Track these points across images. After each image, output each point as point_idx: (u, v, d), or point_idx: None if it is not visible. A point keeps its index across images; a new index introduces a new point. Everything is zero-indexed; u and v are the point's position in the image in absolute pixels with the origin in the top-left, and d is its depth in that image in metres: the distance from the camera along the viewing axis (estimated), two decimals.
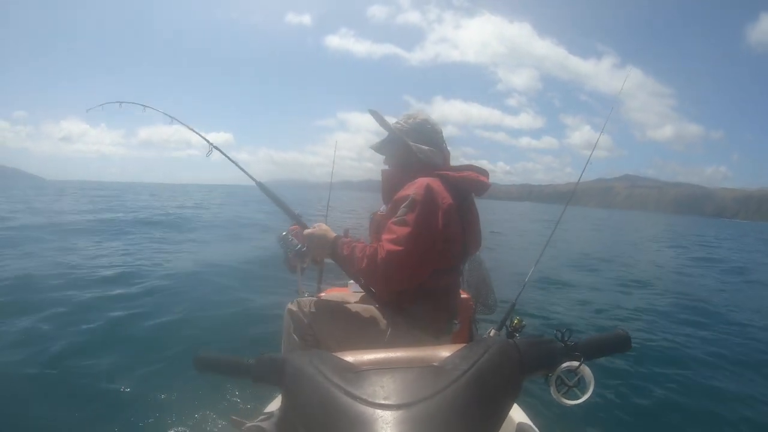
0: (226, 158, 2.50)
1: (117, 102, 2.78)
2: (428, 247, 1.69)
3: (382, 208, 1.99)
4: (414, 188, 1.74)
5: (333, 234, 1.89)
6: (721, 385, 4.10)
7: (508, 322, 2.26)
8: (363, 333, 1.81)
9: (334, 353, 0.77)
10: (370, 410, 0.63)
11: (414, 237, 1.66)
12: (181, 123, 2.65)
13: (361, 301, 2.05)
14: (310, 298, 2.02)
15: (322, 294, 2.41)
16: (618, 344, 0.81)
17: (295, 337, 1.88)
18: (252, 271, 7.40)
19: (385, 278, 1.69)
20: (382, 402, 0.64)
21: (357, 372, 0.71)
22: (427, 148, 1.94)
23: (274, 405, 1.80)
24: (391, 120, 2.05)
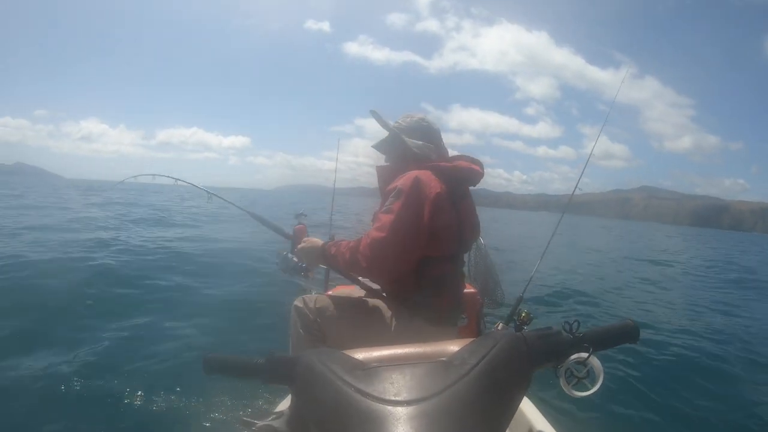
0: (224, 201, 2.84)
1: (150, 174, 3.20)
2: (412, 234, 1.74)
3: None
4: (403, 179, 1.79)
5: (320, 242, 1.99)
6: (730, 385, 4.10)
7: (515, 316, 2.26)
8: (368, 326, 1.84)
9: (343, 351, 0.77)
10: (380, 407, 0.63)
11: (397, 224, 1.71)
12: (214, 194, 2.86)
13: (367, 296, 2.06)
14: (316, 294, 2.05)
15: (329, 291, 2.43)
16: (626, 334, 0.81)
17: (303, 333, 1.90)
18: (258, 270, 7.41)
19: (367, 264, 1.74)
20: (393, 398, 0.64)
21: (366, 369, 0.71)
22: (421, 143, 2.00)
23: (284, 404, 1.81)
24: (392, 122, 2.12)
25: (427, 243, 1.78)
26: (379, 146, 2.15)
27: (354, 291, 2.33)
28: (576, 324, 0.78)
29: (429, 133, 2.04)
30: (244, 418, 0.85)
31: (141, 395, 3.24)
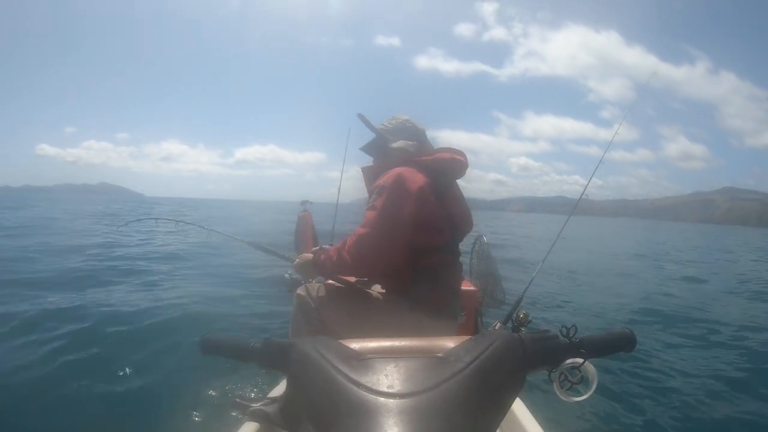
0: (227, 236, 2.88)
1: (153, 218, 3.31)
2: (396, 228, 1.77)
3: None
4: (385, 177, 1.84)
5: (311, 255, 2.02)
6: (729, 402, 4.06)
7: (514, 316, 2.26)
8: (368, 317, 1.86)
9: (339, 340, 0.78)
10: (373, 398, 0.63)
11: (380, 219, 1.76)
12: (213, 230, 2.90)
13: (368, 287, 2.08)
14: (318, 283, 2.06)
15: (331, 281, 2.44)
16: (623, 343, 0.81)
17: (303, 321, 1.93)
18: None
19: (352, 260, 1.78)
20: (386, 390, 0.65)
21: (361, 359, 0.71)
22: (402, 141, 2.05)
23: (279, 390, 1.82)
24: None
25: (416, 235, 1.81)
26: (366, 148, 2.19)
27: (356, 281, 2.35)
28: (573, 329, 0.78)
29: (413, 133, 2.09)
30: (237, 400, 0.86)
31: (133, 376, 3.28)
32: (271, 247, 2.42)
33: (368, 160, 2.17)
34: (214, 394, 3.02)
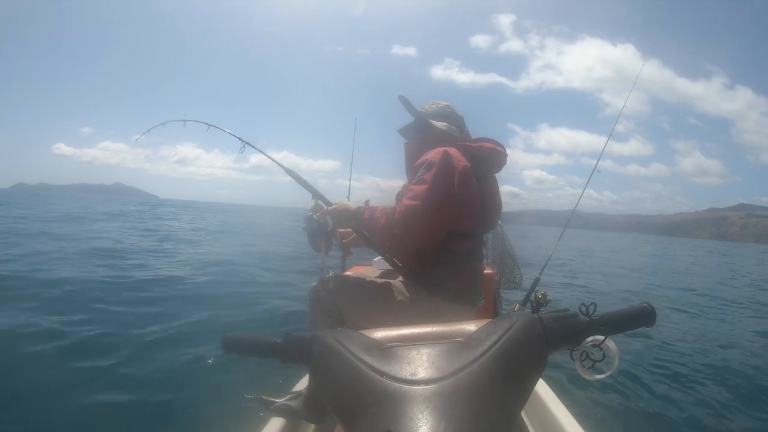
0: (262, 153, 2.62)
1: (181, 120, 2.94)
2: (443, 203, 1.76)
3: None
4: (432, 153, 1.82)
5: (354, 206, 1.99)
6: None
7: (532, 297, 2.26)
8: (386, 307, 1.85)
9: (360, 331, 0.78)
10: (396, 386, 0.64)
11: (430, 193, 1.73)
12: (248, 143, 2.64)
13: (384, 276, 2.07)
14: (333, 276, 2.06)
15: (347, 272, 2.44)
16: (643, 318, 0.80)
17: (321, 315, 1.93)
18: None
19: (401, 231, 1.75)
20: (409, 378, 0.65)
21: (383, 349, 0.71)
22: (446, 124, 2.05)
23: (302, 384, 1.84)
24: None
25: (455, 217, 1.81)
26: (404, 131, 2.18)
27: (371, 271, 2.34)
28: (593, 306, 0.77)
29: (454, 118, 2.10)
30: (262, 397, 0.87)
31: (160, 375, 3.33)
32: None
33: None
34: (237, 393, 3.04)
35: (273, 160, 2.49)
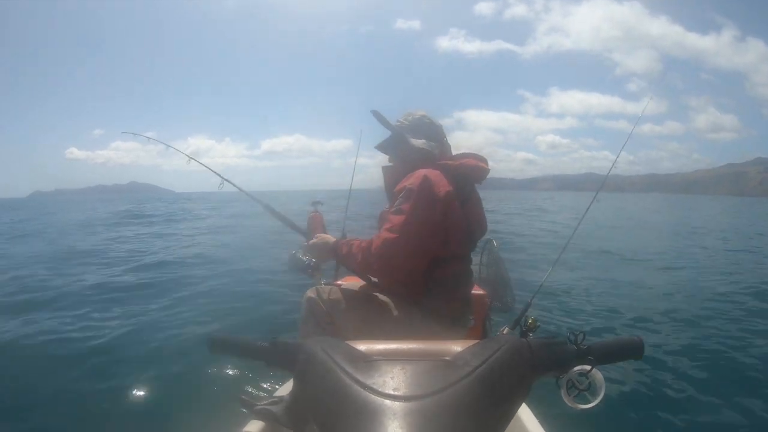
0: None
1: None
2: (424, 234, 1.73)
3: None
4: (411, 179, 1.78)
5: (332, 239, 1.98)
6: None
7: (522, 321, 2.25)
8: (380, 321, 1.83)
9: (347, 341, 0.78)
10: (378, 400, 0.63)
11: (409, 224, 1.70)
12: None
13: (379, 290, 2.06)
14: (329, 285, 2.05)
15: (341, 282, 2.43)
16: (631, 351, 0.80)
17: (313, 323, 1.91)
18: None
19: (380, 266, 1.74)
20: (392, 393, 0.64)
21: (368, 361, 0.71)
22: (424, 141, 1.98)
23: (285, 389, 1.82)
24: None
25: (439, 244, 1.78)
26: (382, 146, 2.14)
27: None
28: (582, 336, 0.77)
29: (432, 131, 2.03)
30: (244, 397, 0.86)
31: (144, 369, 3.31)
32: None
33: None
34: (220, 390, 3.03)
35: (248, 195, 2.69)
